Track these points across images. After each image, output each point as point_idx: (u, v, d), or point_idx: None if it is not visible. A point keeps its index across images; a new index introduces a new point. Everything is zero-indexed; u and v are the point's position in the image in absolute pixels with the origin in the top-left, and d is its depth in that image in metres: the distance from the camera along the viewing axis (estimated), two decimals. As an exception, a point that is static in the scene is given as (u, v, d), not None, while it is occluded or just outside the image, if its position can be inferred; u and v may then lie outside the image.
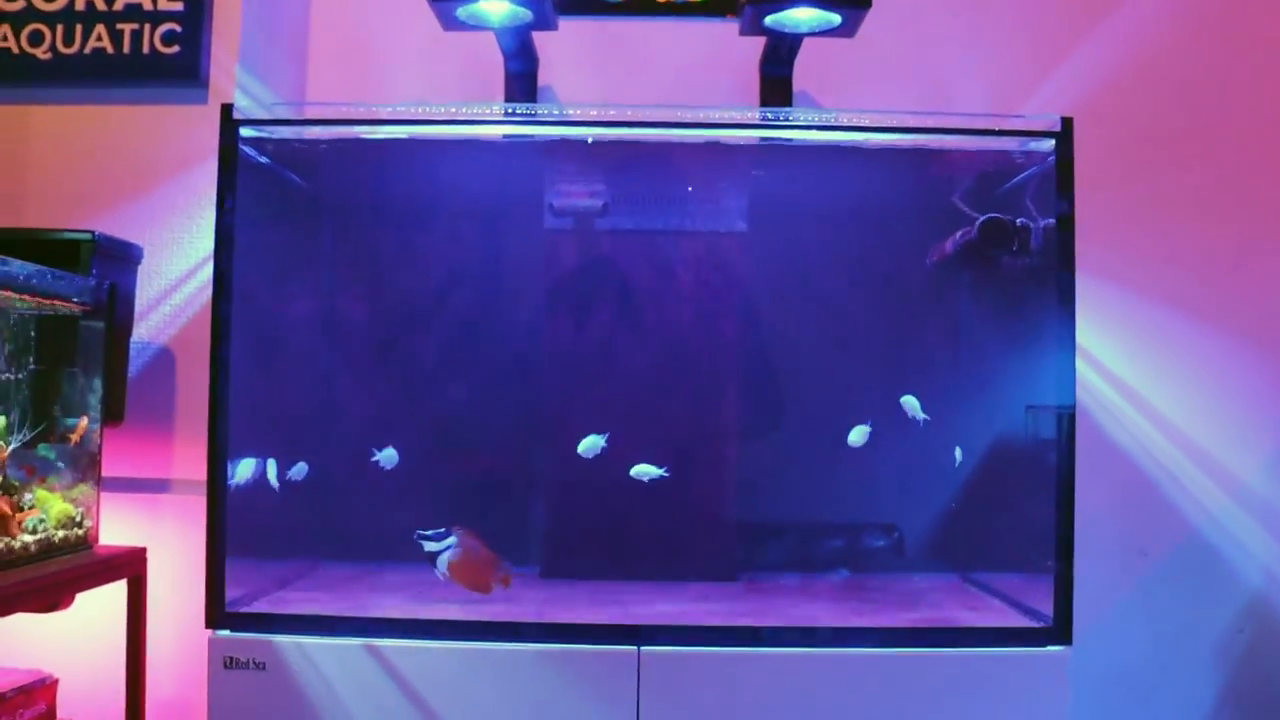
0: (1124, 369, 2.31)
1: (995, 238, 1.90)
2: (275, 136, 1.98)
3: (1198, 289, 2.31)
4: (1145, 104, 2.35)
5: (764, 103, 2.31)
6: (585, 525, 2.20)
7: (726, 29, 2.39)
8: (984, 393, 2.10)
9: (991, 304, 2.13)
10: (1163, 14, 2.38)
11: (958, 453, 2.08)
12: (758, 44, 2.28)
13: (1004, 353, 2.07)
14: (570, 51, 2.33)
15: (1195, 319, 2.30)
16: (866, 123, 1.98)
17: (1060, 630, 1.82)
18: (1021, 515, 1.96)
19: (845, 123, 2.01)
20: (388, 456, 2.08)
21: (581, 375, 2.21)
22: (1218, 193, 2.34)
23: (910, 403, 2.00)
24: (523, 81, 2.30)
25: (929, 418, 1.99)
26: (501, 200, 2.24)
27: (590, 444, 2.01)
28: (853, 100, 2.35)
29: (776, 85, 2.31)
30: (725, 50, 2.37)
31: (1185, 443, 2.30)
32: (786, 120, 2.05)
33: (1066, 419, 1.81)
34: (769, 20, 2.08)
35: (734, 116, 2.07)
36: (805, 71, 2.29)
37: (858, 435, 2.00)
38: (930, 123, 1.94)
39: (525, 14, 2.07)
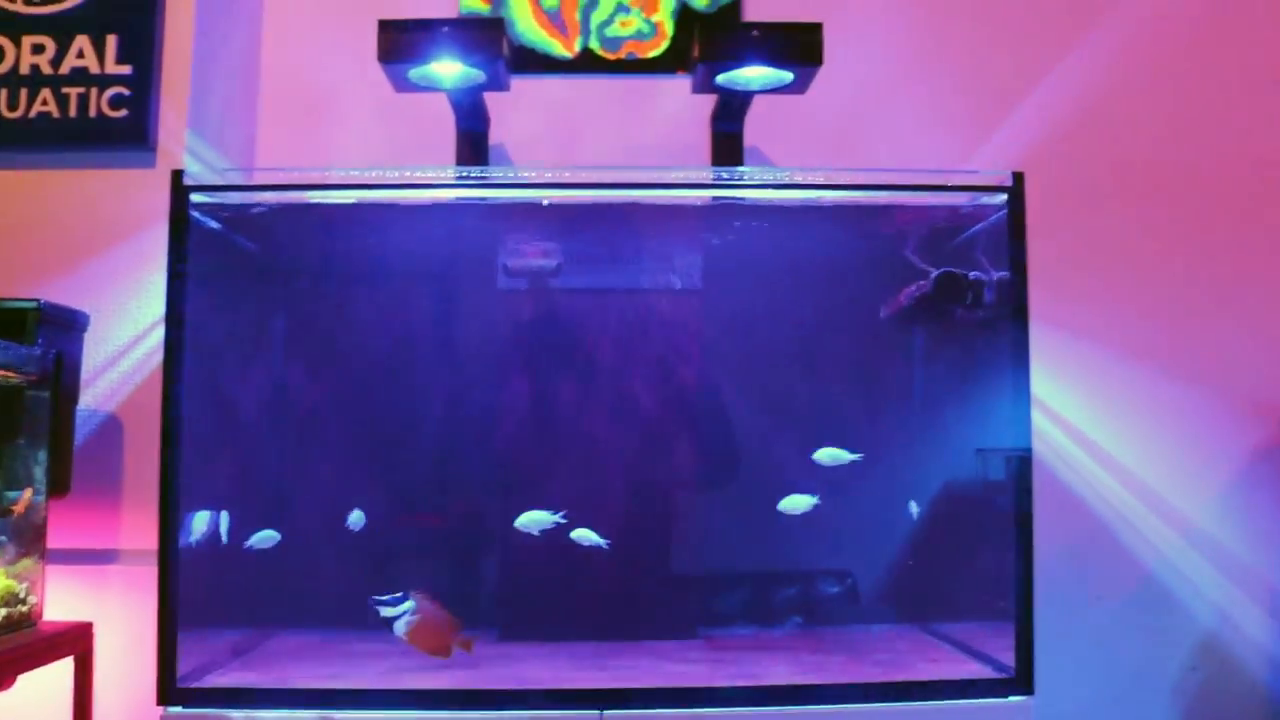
0: (1076, 415, 2.33)
1: (950, 291, 1.92)
2: (225, 201, 1.96)
3: (1148, 335, 2.34)
4: (1092, 153, 2.39)
5: (715, 159, 2.32)
6: (543, 586, 2.17)
7: (677, 86, 2.41)
8: (941, 442, 2.11)
9: (947, 355, 2.15)
10: (1104, 65, 2.43)
11: (913, 506, 2.08)
12: (709, 100, 2.30)
13: (960, 403, 2.08)
14: (522, 110, 2.34)
15: (1145, 364, 2.34)
16: (819, 180, 1.99)
17: (1022, 680, 1.82)
18: (979, 564, 1.96)
19: (798, 181, 2.02)
20: (355, 519, 2.04)
21: (537, 435, 2.19)
22: (1167, 240, 2.38)
23: (828, 455, 1.98)
24: (474, 140, 2.30)
25: (860, 455, 1.97)
26: (455, 261, 2.23)
27: (531, 519, 1.98)
28: (804, 155, 2.37)
29: (727, 141, 2.32)
30: (677, 107, 2.39)
31: (1137, 486, 2.32)
32: (737, 180, 2.07)
33: (1024, 468, 1.83)
34: (720, 79, 2.10)
35: (686, 177, 2.08)
36: (757, 126, 2.31)
37: (799, 503, 1.99)
38: (884, 179, 1.96)
39: (478, 75, 2.07)
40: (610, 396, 2.22)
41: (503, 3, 2.42)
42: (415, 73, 2.07)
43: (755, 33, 2.04)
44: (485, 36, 2.00)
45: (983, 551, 1.94)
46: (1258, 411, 2.35)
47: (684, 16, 2.42)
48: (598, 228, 2.19)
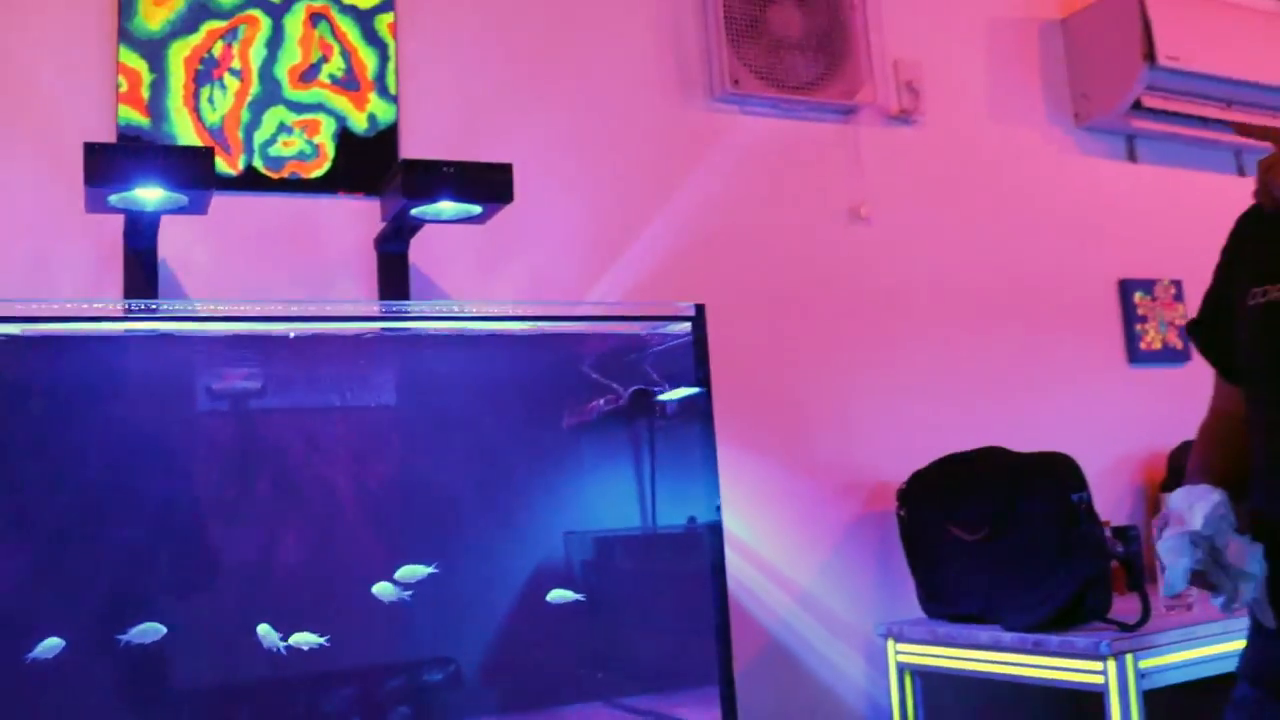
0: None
1: (643, 405, 2.23)
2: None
3: (770, 435, 2.80)
4: (707, 276, 2.80)
5: (381, 279, 2.46)
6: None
7: (341, 205, 2.50)
8: (628, 528, 2.40)
9: (635, 458, 2.44)
10: (714, 198, 2.87)
11: (565, 594, 2.33)
12: (374, 220, 2.43)
13: (645, 493, 2.39)
14: (191, 224, 2.31)
15: (766, 458, 2.78)
16: (495, 312, 2.25)
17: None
18: (672, 640, 2.27)
19: (471, 313, 2.26)
20: (48, 647, 1.94)
21: (230, 543, 2.20)
22: (783, 351, 2.85)
23: (408, 573, 2.18)
24: (144, 260, 2.25)
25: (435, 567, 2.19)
26: (152, 386, 2.17)
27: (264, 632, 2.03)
28: (460, 276, 2.57)
29: (394, 262, 2.46)
30: (341, 226, 2.48)
31: (759, 561, 2.74)
32: (407, 313, 2.28)
33: (718, 546, 2.17)
34: (415, 211, 2.25)
35: (354, 309, 2.27)
36: (424, 250, 2.48)
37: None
38: (577, 311, 2.23)
39: (181, 199, 2.06)
40: (299, 508, 2.27)
41: (163, 116, 2.39)
42: (117, 197, 2.03)
43: (449, 170, 2.23)
44: (200, 165, 2.01)
45: (681, 628, 2.26)
46: (848, 490, 2.89)
47: (344, 139, 2.53)
48: (295, 351, 2.25)
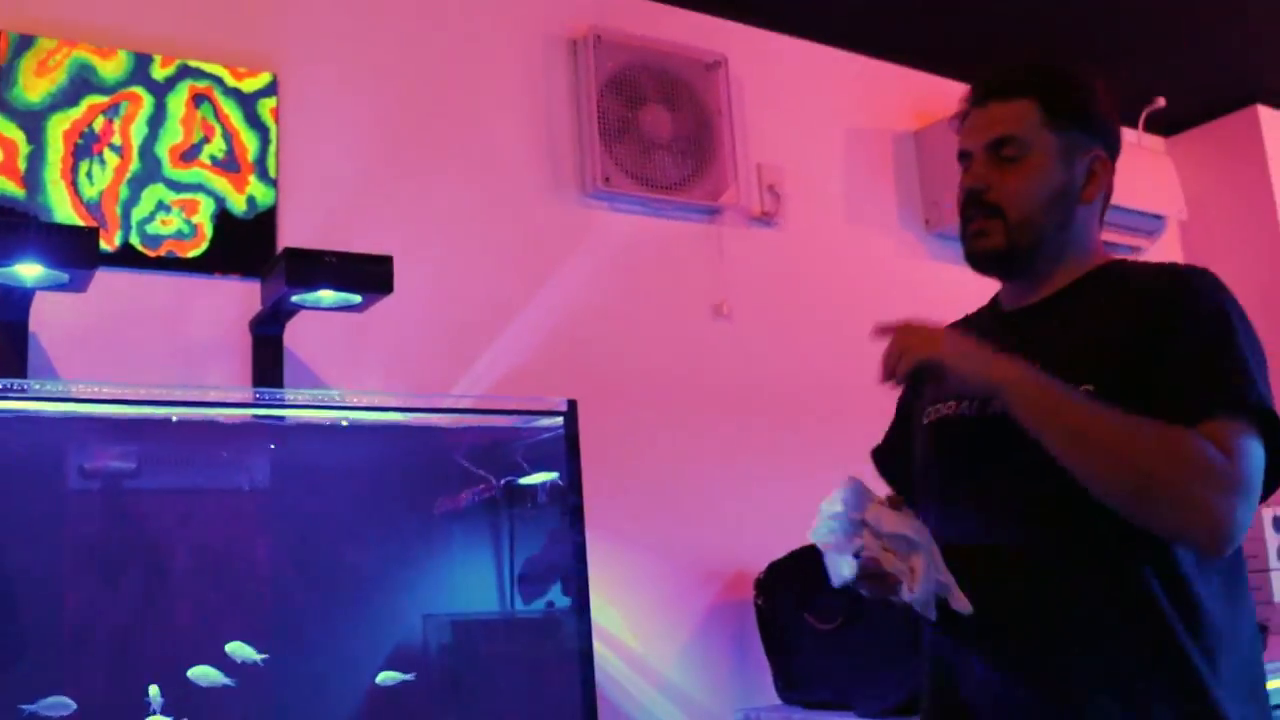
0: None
1: (516, 495, 2.28)
2: None
3: (638, 524, 2.85)
4: (568, 369, 2.87)
5: (256, 361, 2.47)
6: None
7: (217, 286, 2.51)
8: (492, 612, 2.43)
9: (506, 545, 2.48)
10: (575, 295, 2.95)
11: (394, 675, 2.33)
12: (252, 302, 2.45)
13: (509, 579, 2.43)
14: (63, 299, 2.29)
15: (632, 546, 2.84)
16: (371, 402, 2.29)
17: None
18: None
19: (348, 402, 2.30)
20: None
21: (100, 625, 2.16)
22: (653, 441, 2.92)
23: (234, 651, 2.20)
24: (15, 335, 2.23)
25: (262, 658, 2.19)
26: (22, 463, 2.14)
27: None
28: (352, 365, 2.59)
29: (268, 344, 2.47)
30: (217, 306, 2.49)
31: (622, 649, 2.80)
32: (284, 400, 2.29)
33: (584, 638, 2.22)
34: (295, 299, 2.28)
35: (227, 395, 2.28)
36: (298, 334, 2.50)
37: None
38: (452, 403, 2.28)
39: (61, 276, 2.06)
40: (173, 590, 2.25)
41: (39, 189, 2.37)
42: (-2, 272, 2.01)
43: (331, 260, 2.26)
44: (84, 243, 2.01)
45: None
46: (709, 579, 2.96)
47: (222, 220, 2.54)
48: (169, 432, 2.24)
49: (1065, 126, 1.63)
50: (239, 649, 2.14)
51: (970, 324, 1.75)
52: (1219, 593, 1.47)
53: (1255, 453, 1.42)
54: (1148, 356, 1.47)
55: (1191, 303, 1.50)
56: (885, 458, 1.88)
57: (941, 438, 1.65)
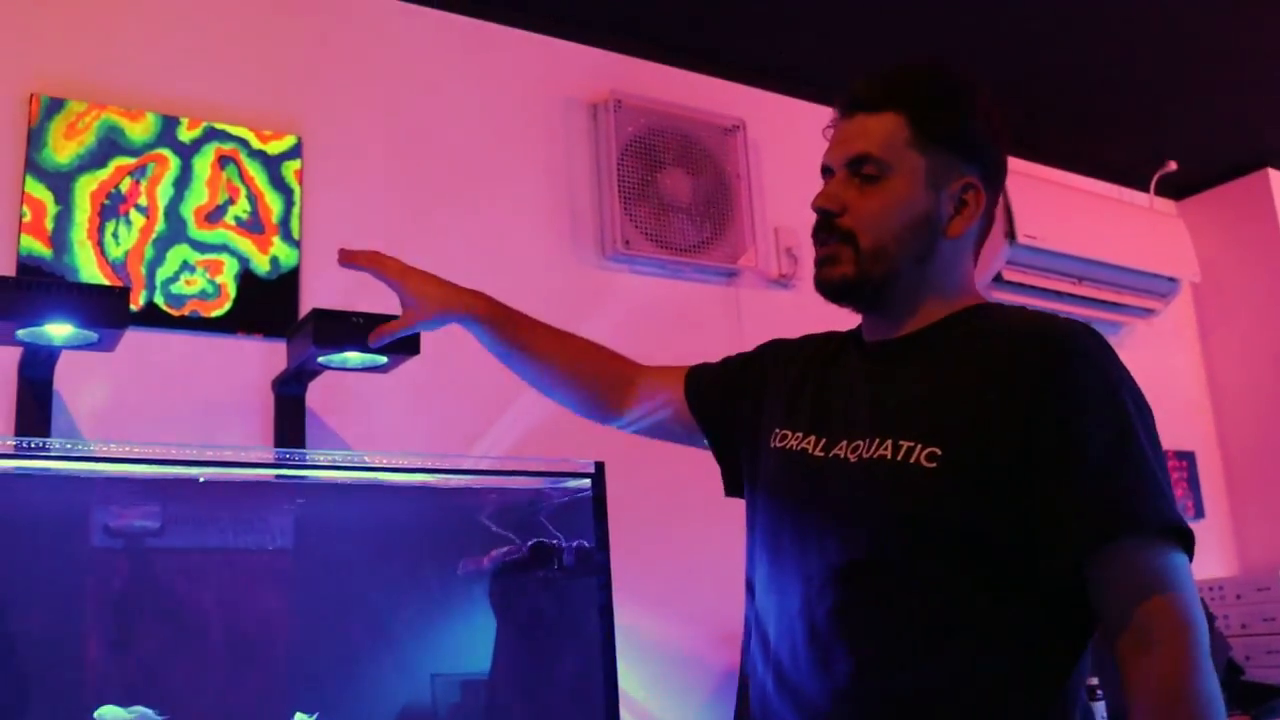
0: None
1: (542, 557, 2.26)
2: None
3: (660, 591, 2.83)
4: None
5: (278, 421, 2.46)
6: None
7: (241, 345, 2.51)
8: (515, 678, 2.40)
9: (530, 608, 2.45)
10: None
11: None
12: (278, 362, 2.44)
13: (538, 646, 2.41)
14: (89, 359, 2.29)
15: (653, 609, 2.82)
16: (396, 464, 2.28)
17: None
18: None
19: (373, 463, 2.29)
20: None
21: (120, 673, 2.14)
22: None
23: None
24: (38, 393, 2.22)
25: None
26: (47, 522, 2.13)
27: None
28: (373, 426, 2.59)
29: (291, 405, 2.47)
30: (242, 366, 2.49)
31: (638, 709, 2.77)
32: (309, 461, 2.29)
33: (611, 702, 2.19)
34: (322, 359, 2.27)
35: (251, 456, 2.27)
36: (320, 394, 2.49)
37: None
38: (477, 465, 2.27)
39: (91, 336, 2.05)
40: (196, 645, 2.23)
41: (66, 249, 2.38)
42: (25, 331, 2.01)
43: (359, 320, 2.26)
44: (114, 304, 2.01)
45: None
46: (732, 639, 2.92)
47: (246, 280, 2.54)
48: (190, 492, 2.23)
49: (935, 148, 1.46)
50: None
51: (831, 343, 1.64)
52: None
53: (1189, 582, 1.31)
54: (1013, 433, 1.33)
55: (1076, 383, 1.34)
56: (698, 384, 1.74)
57: (789, 470, 1.52)
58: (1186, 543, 1.32)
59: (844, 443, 1.45)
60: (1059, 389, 1.34)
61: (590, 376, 1.79)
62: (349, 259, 1.72)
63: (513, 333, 1.76)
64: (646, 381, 1.80)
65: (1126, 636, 1.30)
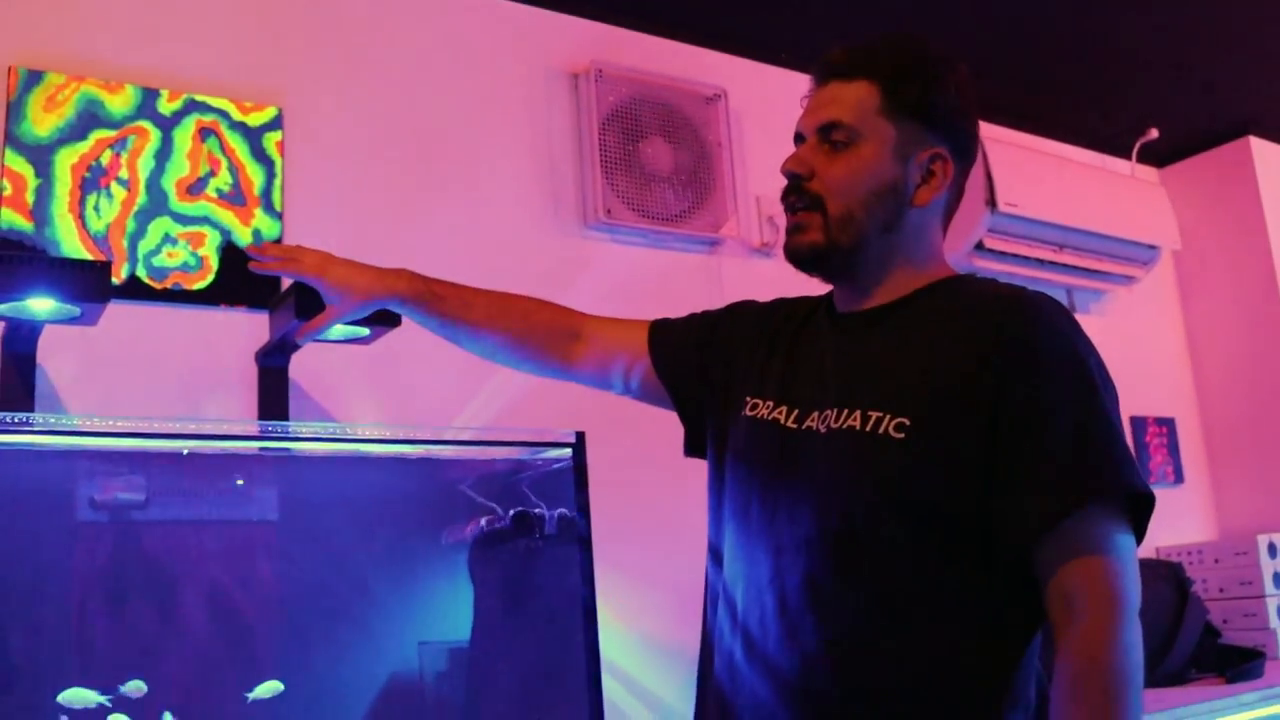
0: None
1: (524, 526, 2.28)
2: None
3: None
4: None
5: (262, 393, 2.47)
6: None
7: (225, 317, 2.52)
8: (498, 647, 2.43)
9: (512, 577, 2.48)
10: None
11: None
12: (259, 334, 2.45)
13: (520, 613, 2.44)
14: (71, 332, 2.29)
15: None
16: (379, 435, 2.30)
17: None
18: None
19: (354, 435, 2.30)
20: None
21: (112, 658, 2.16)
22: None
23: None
24: (22, 369, 2.23)
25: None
26: (32, 495, 2.14)
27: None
28: (356, 397, 2.60)
29: (275, 377, 2.48)
30: (224, 338, 2.50)
31: (625, 677, 2.80)
32: (292, 433, 2.30)
33: (593, 673, 2.23)
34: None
35: (236, 429, 2.29)
36: (303, 365, 2.51)
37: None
38: (459, 435, 2.29)
39: (73, 310, 2.06)
40: (181, 618, 2.24)
41: (47, 222, 2.38)
42: (7, 306, 2.02)
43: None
44: (96, 278, 2.01)
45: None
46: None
47: (229, 252, 2.55)
48: (176, 465, 2.25)
49: (905, 117, 1.48)
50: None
51: (802, 309, 1.65)
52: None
53: (1128, 556, 1.33)
54: (980, 403, 1.36)
55: (1042, 353, 1.37)
56: (663, 341, 1.75)
57: (757, 440, 1.53)
58: (1146, 511, 1.35)
59: (815, 414, 1.47)
60: (1025, 359, 1.36)
61: (530, 334, 1.77)
62: (260, 266, 1.69)
63: (442, 307, 1.72)
64: (598, 333, 1.79)
65: (1057, 605, 1.34)
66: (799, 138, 1.54)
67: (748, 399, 1.57)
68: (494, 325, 1.76)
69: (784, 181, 1.55)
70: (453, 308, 1.74)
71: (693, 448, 1.74)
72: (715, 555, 1.61)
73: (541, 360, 1.79)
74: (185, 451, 2.19)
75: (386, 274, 1.69)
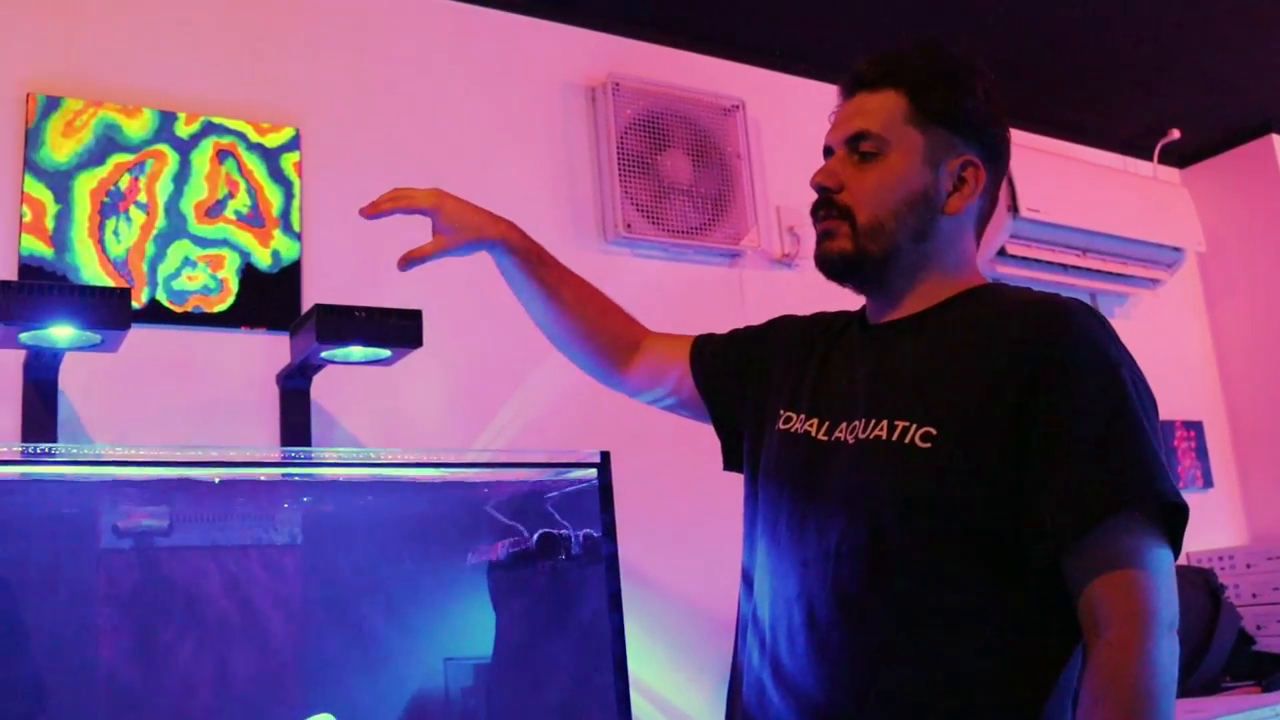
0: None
1: (550, 547, 2.26)
2: None
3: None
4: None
5: (284, 415, 2.46)
6: None
7: (244, 339, 2.51)
8: (526, 667, 2.41)
9: (539, 597, 2.46)
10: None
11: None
12: (281, 356, 2.44)
13: (547, 638, 2.42)
14: (91, 357, 2.28)
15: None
16: (403, 459, 2.30)
17: None
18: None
19: (378, 459, 2.29)
20: None
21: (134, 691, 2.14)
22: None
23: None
24: (44, 395, 2.22)
25: None
26: (54, 523, 2.13)
27: None
28: (378, 418, 2.59)
29: (296, 399, 2.47)
30: (244, 360, 2.49)
31: (650, 694, 2.78)
32: (314, 459, 2.29)
33: (622, 689, 2.20)
34: (325, 354, 2.27)
35: (258, 455, 2.28)
36: (324, 387, 2.49)
37: None
38: (483, 458, 2.27)
39: (94, 338, 2.05)
40: (207, 645, 2.23)
41: (67, 247, 2.37)
42: (28, 335, 2.01)
43: (362, 315, 2.25)
44: (116, 305, 2.01)
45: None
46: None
47: (248, 275, 2.54)
48: (200, 491, 2.24)
49: (933, 125, 1.46)
50: None
51: (838, 322, 1.63)
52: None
53: (1162, 569, 1.30)
54: (1009, 411, 1.33)
55: (1074, 360, 1.34)
56: (703, 355, 1.74)
57: (788, 454, 1.52)
58: (1180, 522, 1.32)
59: (844, 424, 1.45)
60: (1054, 367, 1.34)
61: (601, 333, 1.77)
62: (373, 209, 1.71)
63: (541, 271, 1.74)
64: (653, 347, 1.80)
65: (1087, 620, 1.31)
66: (828, 151, 1.53)
67: (781, 412, 1.56)
68: (578, 310, 1.76)
69: (806, 193, 1.54)
70: (552, 275, 1.76)
71: (730, 462, 1.74)
72: (747, 581, 1.59)
73: (599, 360, 1.79)
74: (217, 480, 2.17)
75: (500, 220, 1.74)
